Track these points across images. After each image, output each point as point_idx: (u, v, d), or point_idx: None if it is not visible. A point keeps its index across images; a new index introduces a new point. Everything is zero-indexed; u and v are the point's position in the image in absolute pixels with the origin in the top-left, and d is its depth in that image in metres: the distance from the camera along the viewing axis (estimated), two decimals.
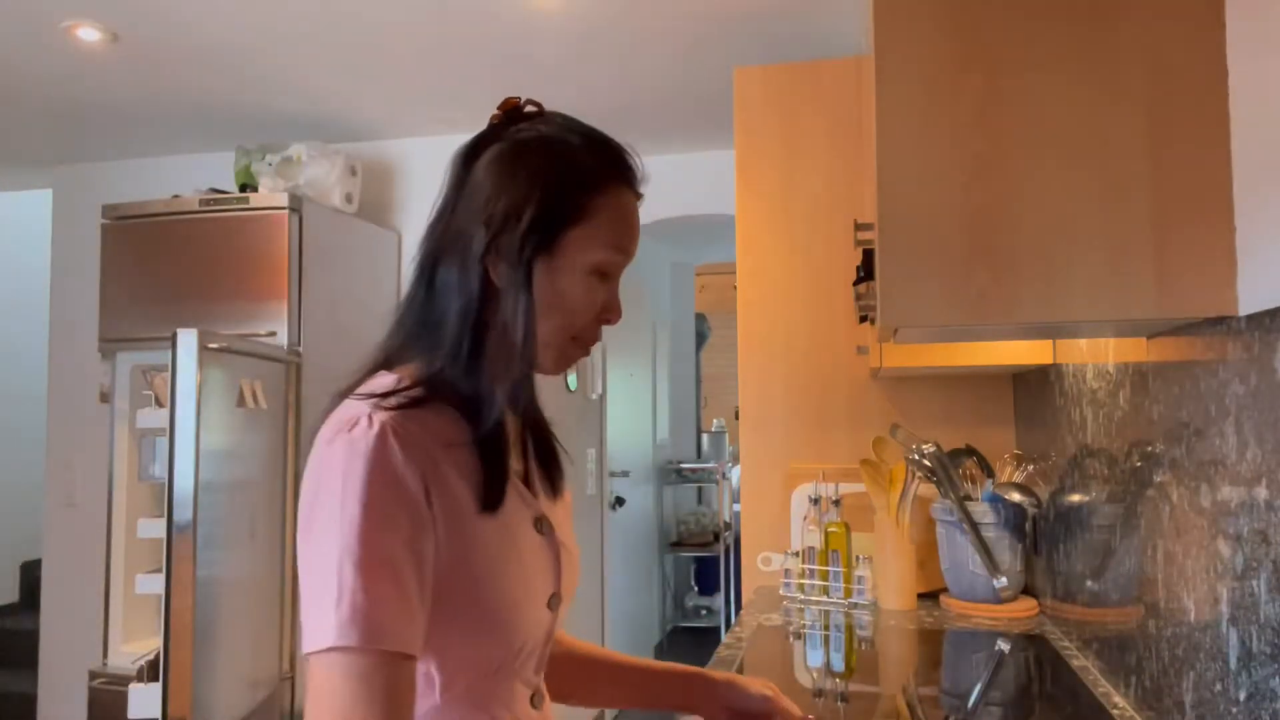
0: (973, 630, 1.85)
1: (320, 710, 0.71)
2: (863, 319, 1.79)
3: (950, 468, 1.97)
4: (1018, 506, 1.94)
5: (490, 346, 0.87)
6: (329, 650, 0.71)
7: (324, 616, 0.72)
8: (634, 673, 1.13)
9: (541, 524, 0.92)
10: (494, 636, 0.85)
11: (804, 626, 1.92)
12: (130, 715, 2.27)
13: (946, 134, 1.05)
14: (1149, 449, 1.24)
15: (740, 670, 1.59)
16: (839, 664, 1.66)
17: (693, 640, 5.48)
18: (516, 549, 0.87)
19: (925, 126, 1.06)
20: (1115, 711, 1.34)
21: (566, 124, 0.92)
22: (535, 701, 0.92)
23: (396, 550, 0.75)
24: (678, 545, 5.53)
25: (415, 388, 0.84)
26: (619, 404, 4.43)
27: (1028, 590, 2.02)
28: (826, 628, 1.91)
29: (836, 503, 2.17)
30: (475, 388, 0.86)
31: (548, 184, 0.87)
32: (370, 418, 0.79)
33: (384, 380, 0.86)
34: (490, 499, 0.84)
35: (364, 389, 0.85)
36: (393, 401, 0.81)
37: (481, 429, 0.85)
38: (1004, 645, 1.74)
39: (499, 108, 0.93)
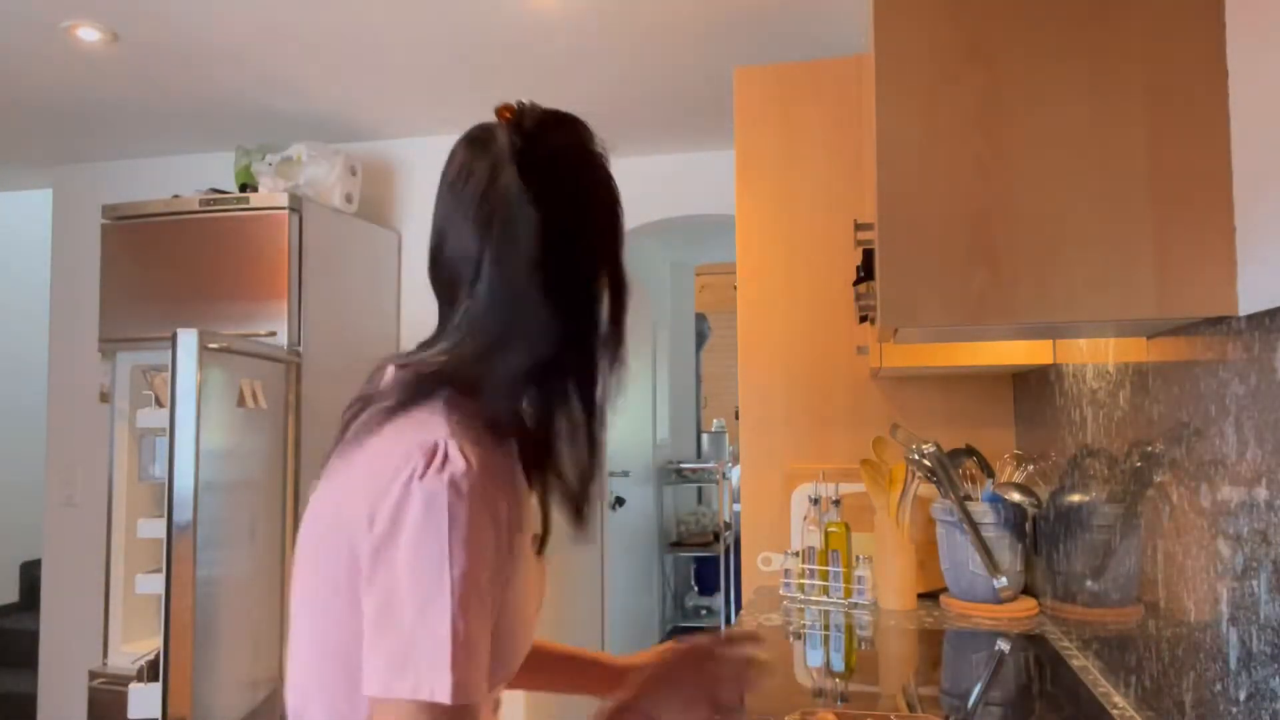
0: (973, 630, 1.85)
1: None
2: (863, 319, 1.79)
3: (950, 468, 1.97)
4: (1018, 506, 1.94)
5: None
6: (431, 704, 0.72)
7: (436, 669, 0.72)
8: (555, 659, 1.14)
9: (536, 539, 0.93)
10: (510, 651, 0.85)
11: (804, 626, 1.92)
12: (130, 715, 2.27)
13: (946, 134, 1.05)
14: (1149, 449, 1.24)
15: None
16: (839, 664, 1.66)
17: None
18: (528, 564, 0.88)
19: (925, 126, 1.06)
20: (1115, 711, 1.34)
21: (577, 122, 0.94)
22: (496, 707, 0.94)
23: (489, 592, 0.76)
24: (678, 545, 5.53)
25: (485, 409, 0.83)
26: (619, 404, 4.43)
27: (1028, 590, 2.02)
28: (826, 628, 1.91)
29: (836, 503, 2.17)
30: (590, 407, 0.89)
31: (613, 191, 0.91)
32: (461, 451, 0.77)
33: (450, 407, 0.83)
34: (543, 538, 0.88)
35: (435, 410, 0.82)
36: (461, 425, 0.80)
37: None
38: (1004, 645, 1.74)
39: (509, 111, 0.91)
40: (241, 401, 2.37)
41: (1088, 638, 1.58)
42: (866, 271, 1.54)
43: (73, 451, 3.48)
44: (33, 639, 3.52)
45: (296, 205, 2.68)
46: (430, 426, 0.79)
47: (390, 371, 0.89)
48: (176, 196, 2.83)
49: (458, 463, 0.75)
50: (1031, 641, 1.75)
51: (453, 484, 0.74)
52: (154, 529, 2.45)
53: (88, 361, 3.38)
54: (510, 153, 0.87)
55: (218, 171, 3.38)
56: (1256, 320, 0.91)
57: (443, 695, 0.71)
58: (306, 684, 0.83)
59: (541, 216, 0.85)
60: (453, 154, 0.92)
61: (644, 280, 4.97)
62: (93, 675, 2.59)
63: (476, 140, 0.90)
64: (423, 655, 0.72)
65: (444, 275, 0.90)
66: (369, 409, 0.85)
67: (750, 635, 1.01)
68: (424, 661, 0.72)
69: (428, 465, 0.75)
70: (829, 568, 2.10)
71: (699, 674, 0.98)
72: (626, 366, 0.91)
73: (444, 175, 0.92)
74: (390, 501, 0.75)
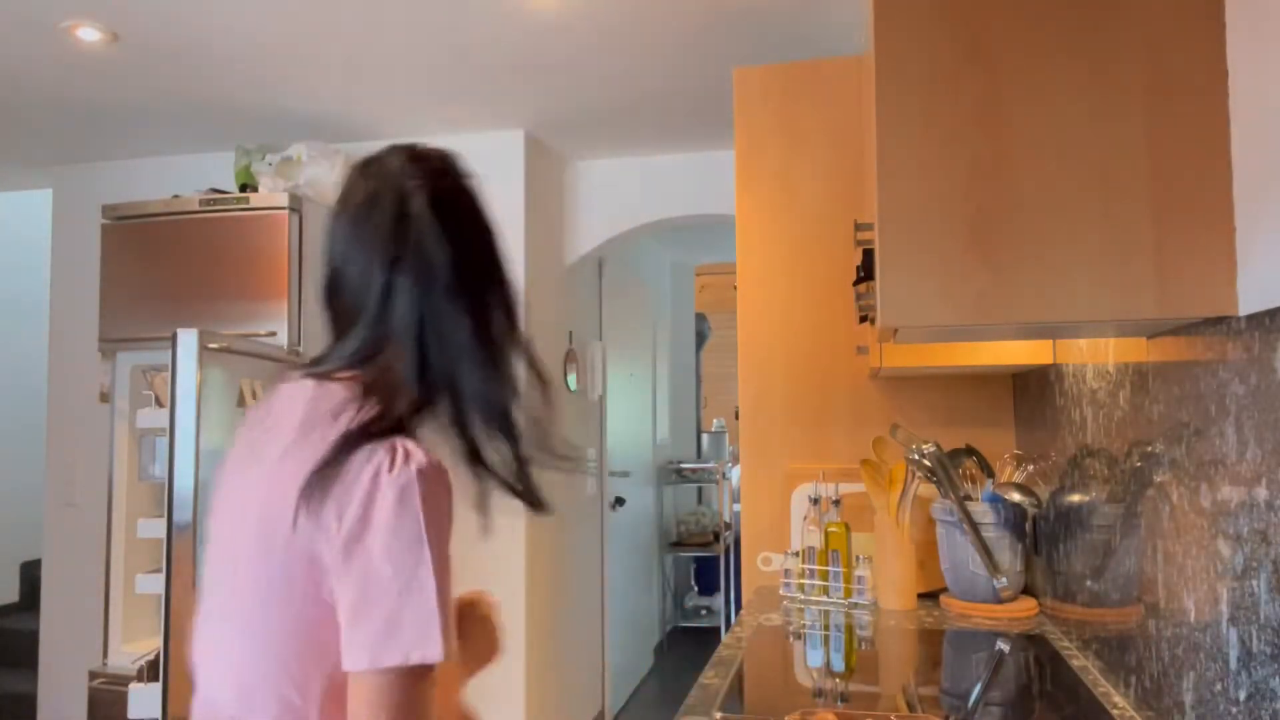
0: (973, 630, 1.85)
1: (421, 710, 0.82)
2: (863, 319, 1.79)
3: (950, 468, 1.97)
4: (1018, 506, 1.94)
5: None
6: (411, 667, 0.81)
7: (424, 635, 0.81)
8: None
9: None
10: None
11: (804, 626, 1.92)
12: (130, 715, 2.27)
13: (946, 134, 1.05)
14: (1149, 449, 1.24)
15: (740, 670, 1.59)
16: (839, 664, 1.66)
17: (693, 640, 5.48)
18: None
19: (925, 126, 1.06)
20: (1115, 711, 1.34)
21: (458, 159, 1.03)
22: None
23: (448, 568, 0.86)
24: (678, 545, 5.53)
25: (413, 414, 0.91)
26: (619, 404, 4.43)
27: (1028, 590, 2.02)
28: (826, 628, 1.91)
29: (836, 503, 2.17)
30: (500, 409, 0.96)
31: (492, 220, 1.02)
32: (418, 447, 0.86)
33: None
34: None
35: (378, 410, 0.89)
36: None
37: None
38: (1004, 645, 1.74)
39: (411, 153, 1.00)
40: (241, 401, 2.37)
41: (1088, 638, 1.58)
42: (866, 271, 1.54)
43: (73, 451, 3.48)
44: (33, 639, 3.52)
45: (296, 205, 2.68)
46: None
47: (311, 385, 0.93)
48: (176, 196, 2.84)
49: (419, 457, 0.85)
50: (1031, 641, 1.75)
51: (420, 475, 0.84)
52: (154, 529, 2.45)
53: (88, 361, 3.38)
54: (420, 189, 0.95)
55: (218, 171, 3.37)
56: (1256, 320, 0.91)
57: (434, 655, 0.81)
58: (248, 683, 0.87)
59: (452, 248, 0.94)
60: (351, 184, 0.99)
61: (644, 280, 4.97)
62: (93, 675, 2.59)
63: (376, 172, 0.98)
64: (409, 625, 0.81)
65: (346, 298, 0.95)
66: (308, 427, 0.89)
67: (485, 593, 1.11)
68: (410, 630, 0.81)
69: (392, 461, 0.84)
70: (829, 568, 2.10)
71: (472, 625, 1.08)
72: (538, 359, 1.01)
73: (344, 204, 0.98)
74: (359, 495, 0.82)
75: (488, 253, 0.98)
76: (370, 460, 0.83)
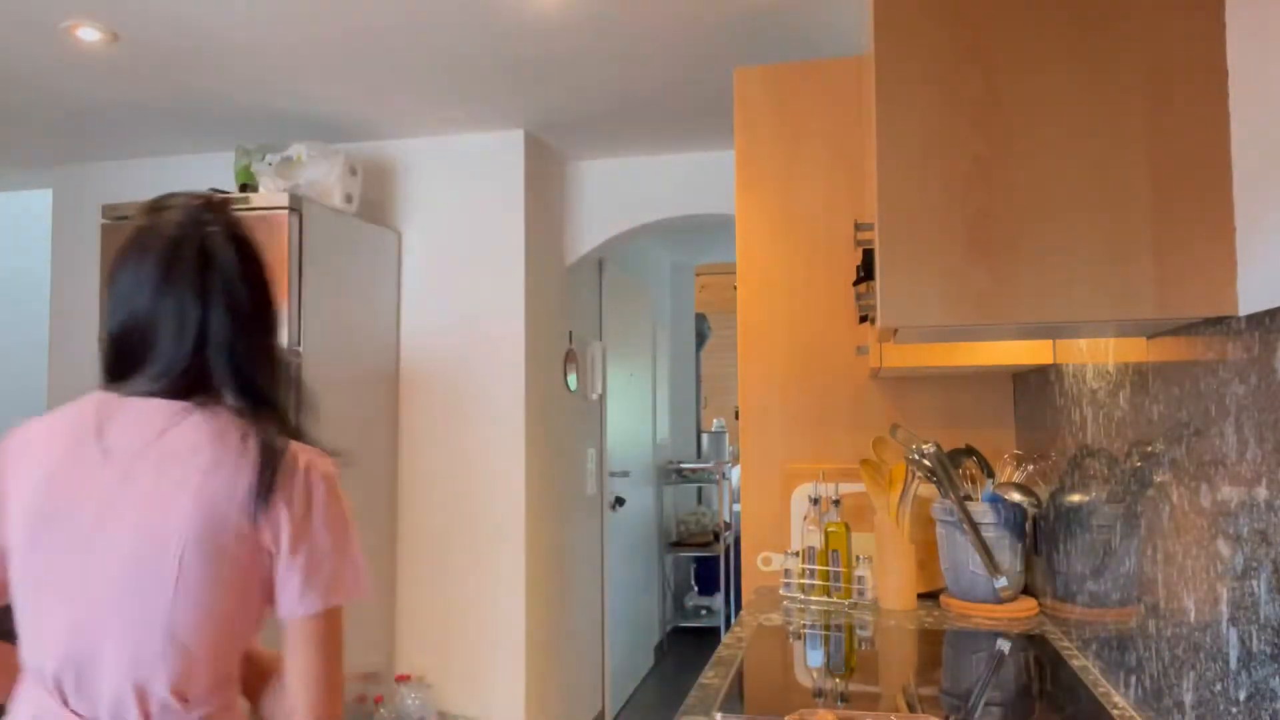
0: (973, 630, 1.85)
1: (341, 637, 1.07)
2: (863, 319, 1.79)
3: (950, 468, 1.97)
4: (1018, 506, 1.94)
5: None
6: (343, 605, 1.07)
7: (357, 580, 1.07)
8: None
9: None
10: None
11: (804, 626, 1.92)
12: None
13: (946, 134, 1.05)
14: (1149, 449, 1.24)
15: (740, 670, 1.59)
16: (839, 664, 1.66)
17: (693, 640, 5.47)
18: None
19: (925, 126, 1.06)
20: (1115, 711, 1.34)
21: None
22: None
23: None
24: (678, 545, 5.53)
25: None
26: (619, 404, 4.43)
27: (1028, 590, 2.02)
28: (826, 628, 1.91)
29: (836, 503, 2.17)
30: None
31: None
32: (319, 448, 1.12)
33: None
34: None
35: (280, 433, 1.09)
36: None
37: None
38: (1004, 645, 1.74)
39: (208, 200, 1.13)
40: None
41: (1088, 638, 1.58)
42: (866, 271, 1.54)
43: None
44: None
45: (296, 205, 2.67)
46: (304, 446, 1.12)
47: (193, 409, 1.05)
48: None
49: (326, 456, 1.09)
50: (1031, 641, 1.75)
51: (334, 467, 1.09)
52: None
53: (88, 361, 3.38)
54: (217, 234, 1.08)
55: (218, 171, 3.38)
56: (1256, 320, 0.91)
57: (366, 594, 1.09)
58: (198, 656, 1.00)
59: (252, 283, 1.10)
60: (145, 230, 1.08)
61: (644, 280, 4.97)
62: None
63: (175, 220, 1.08)
64: (345, 576, 1.06)
65: (155, 334, 1.06)
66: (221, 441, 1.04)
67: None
68: (348, 579, 1.07)
69: (311, 459, 1.06)
70: (829, 568, 2.10)
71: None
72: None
73: (141, 249, 1.07)
74: (299, 489, 1.04)
75: (270, 283, 1.13)
76: (297, 463, 1.04)
